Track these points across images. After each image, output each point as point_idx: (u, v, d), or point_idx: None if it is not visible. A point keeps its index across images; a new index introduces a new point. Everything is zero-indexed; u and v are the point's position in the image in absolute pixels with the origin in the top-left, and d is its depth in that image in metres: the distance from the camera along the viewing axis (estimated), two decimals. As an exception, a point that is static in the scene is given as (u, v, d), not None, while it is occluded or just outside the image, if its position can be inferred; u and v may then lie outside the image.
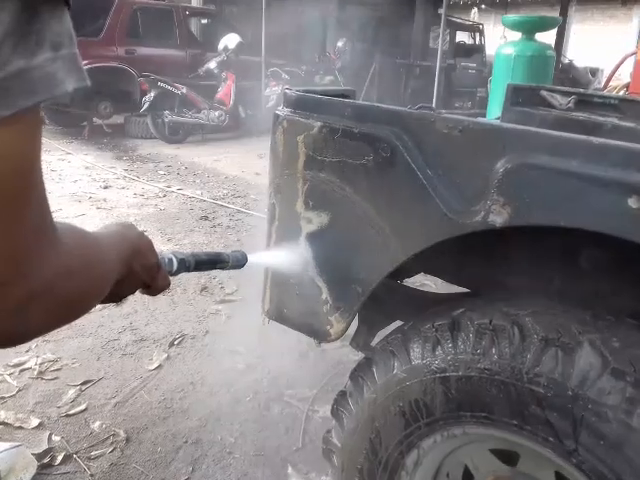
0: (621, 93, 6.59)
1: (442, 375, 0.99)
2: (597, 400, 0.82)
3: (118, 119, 8.38)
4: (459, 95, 11.11)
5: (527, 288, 1.11)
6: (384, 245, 1.09)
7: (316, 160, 1.15)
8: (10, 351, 2.36)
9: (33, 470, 1.75)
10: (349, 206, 1.13)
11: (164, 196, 5.20)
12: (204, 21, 10.56)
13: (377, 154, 1.04)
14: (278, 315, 1.37)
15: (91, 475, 1.80)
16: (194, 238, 4.04)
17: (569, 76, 11.92)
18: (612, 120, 1.77)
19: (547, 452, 0.90)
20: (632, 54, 6.09)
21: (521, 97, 1.98)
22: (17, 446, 1.80)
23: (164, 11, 8.68)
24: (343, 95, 1.31)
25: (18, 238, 0.45)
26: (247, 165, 6.56)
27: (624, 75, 7.81)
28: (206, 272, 3.38)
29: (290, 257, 1.25)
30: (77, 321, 2.37)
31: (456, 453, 1.11)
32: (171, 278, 0.89)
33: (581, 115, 1.85)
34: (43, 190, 0.47)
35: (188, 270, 0.96)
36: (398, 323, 1.30)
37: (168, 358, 2.48)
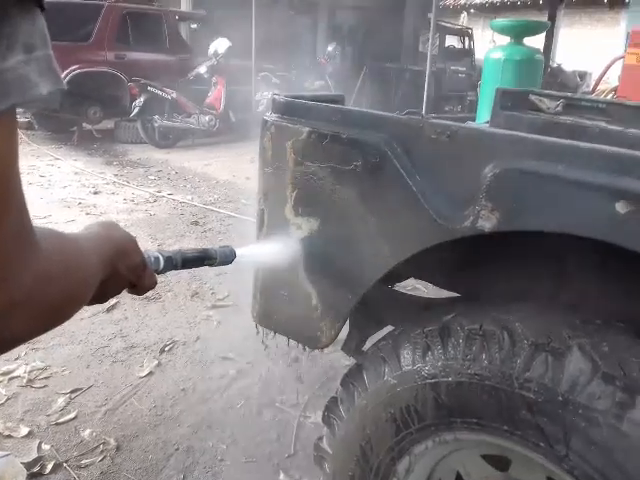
0: (609, 97, 6.64)
1: (433, 381, 0.99)
2: (587, 405, 0.82)
3: (108, 124, 8.34)
4: (449, 99, 11.17)
5: (516, 292, 1.11)
6: (374, 251, 1.08)
7: (305, 166, 1.15)
8: (-2, 359, 2.34)
9: (23, 479, 1.74)
10: (338, 212, 1.13)
11: (154, 201, 5.19)
12: (194, 26, 10.56)
13: (366, 160, 1.04)
14: (268, 321, 1.36)
15: (81, 484, 1.78)
16: (185, 243, 4.02)
17: (558, 80, 12.00)
18: (600, 124, 1.77)
19: (538, 457, 0.90)
20: (620, 58, 6.15)
21: (510, 101, 1.99)
22: (6, 455, 1.78)
23: (154, 16, 8.66)
24: (332, 100, 1.31)
25: None
26: (238, 170, 6.55)
27: (612, 79, 7.88)
28: (198, 278, 3.37)
29: (279, 250, 1.24)
30: (66, 328, 2.35)
31: (448, 459, 1.11)
32: (160, 279, 0.88)
33: (569, 119, 1.86)
34: (22, 195, 0.46)
35: (176, 268, 0.95)
36: (390, 328, 1.29)
37: (159, 365, 2.47)
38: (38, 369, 2.37)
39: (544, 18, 12.52)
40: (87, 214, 4.60)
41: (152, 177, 6.19)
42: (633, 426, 0.78)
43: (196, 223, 4.55)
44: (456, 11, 17.67)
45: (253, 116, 8.03)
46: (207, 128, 7.93)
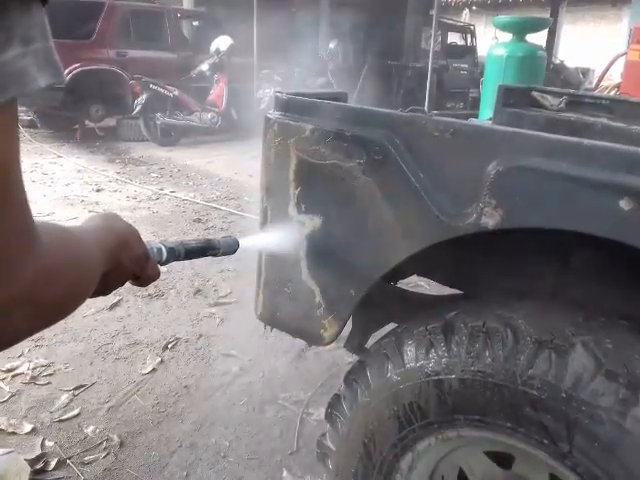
0: (612, 93, 6.62)
1: (436, 378, 0.99)
2: (591, 402, 0.82)
3: (110, 122, 8.35)
4: (451, 96, 11.13)
5: (520, 289, 1.11)
6: (377, 248, 1.08)
7: (308, 163, 1.15)
8: (2, 356, 2.34)
9: (26, 476, 1.74)
10: (341, 209, 1.13)
11: (157, 199, 5.19)
12: (195, 23, 10.54)
13: (369, 157, 1.04)
14: (271, 318, 1.36)
15: (85, 481, 1.79)
16: (187, 241, 4.03)
17: (560, 76, 11.95)
18: (603, 120, 1.77)
19: (541, 454, 0.90)
20: (622, 54, 6.13)
21: (513, 98, 1.98)
22: (10, 452, 1.79)
23: (155, 13, 8.66)
24: (335, 98, 1.31)
25: None
26: (240, 167, 6.55)
27: (615, 75, 7.85)
28: (201, 276, 3.37)
29: (283, 239, 1.23)
30: (69, 325, 2.35)
31: (451, 456, 1.11)
32: (162, 277, 0.88)
33: (572, 116, 1.86)
34: (23, 189, 0.46)
35: (178, 259, 0.94)
36: (393, 325, 1.29)
37: (162, 362, 2.47)
38: (41, 366, 2.37)
39: (546, 15, 12.50)
40: (90, 212, 4.60)
41: (154, 175, 6.20)
42: (636, 423, 0.79)
43: (198, 220, 4.56)
44: (458, 8, 17.64)
45: (255, 113, 8.02)
46: (209, 126, 7.93)
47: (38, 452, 1.87)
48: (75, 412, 2.10)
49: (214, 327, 2.81)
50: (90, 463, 1.86)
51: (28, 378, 2.28)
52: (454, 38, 11.76)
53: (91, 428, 2.02)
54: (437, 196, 0.97)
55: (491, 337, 0.94)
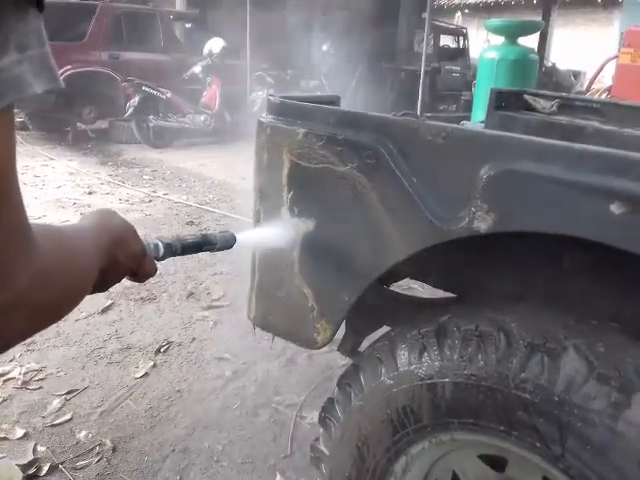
0: (603, 96, 6.67)
1: (429, 382, 0.99)
2: (583, 405, 0.82)
3: (102, 124, 8.33)
4: (444, 98, 11.16)
5: (512, 293, 1.12)
6: (370, 252, 1.08)
7: (301, 167, 1.15)
8: (-7, 361, 2.33)
9: (18, 482, 1.73)
10: (334, 213, 1.13)
11: (150, 201, 5.18)
12: (188, 25, 10.54)
13: (362, 161, 1.04)
14: (264, 322, 1.36)
15: (77, 486, 1.78)
16: (180, 244, 4.01)
17: (552, 79, 12.02)
18: (595, 124, 1.78)
19: (534, 457, 0.90)
20: (614, 57, 6.17)
21: (505, 101, 1.99)
22: (2, 457, 1.78)
23: (148, 15, 8.64)
24: (328, 101, 1.31)
25: None
26: (233, 169, 6.53)
27: (606, 78, 7.90)
28: (193, 279, 3.36)
29: (280, 233, 1.23)
30: (61, 329, 2.34)
31: (444, 459, 1.11)
32: (155, 279, 0.88)
33: (564, 119, 1.87)
34: (19, 192, 0.46)
35: (175, 254, 0.94)
36: (386, 329, 1.29)
37: (154, 366, 2.46)
38: (33, 370, 2.36)
39: (538, 18, 12.56)
40: (82, 214, 4.57)
41: (147, 177, 6.18)
42: (628, 426, 0.79)
43: (191, 223, 4.55)
44: (450, 11, 17.70)
45: (248, 116, 8.02)
46: (202, 128, 7.92)
47: (30, 457, 1.86)
48: (67, 417, 2.08)
49: (207, 330, 2.80)
50: (83, 468, 1.85)
51: (20, 383, 2.27)
52: (447, 41, 11.80)
53: (83, 433, 2.01)
54: (429, 200, 0.97)
55: (484, 341, 0.94)
